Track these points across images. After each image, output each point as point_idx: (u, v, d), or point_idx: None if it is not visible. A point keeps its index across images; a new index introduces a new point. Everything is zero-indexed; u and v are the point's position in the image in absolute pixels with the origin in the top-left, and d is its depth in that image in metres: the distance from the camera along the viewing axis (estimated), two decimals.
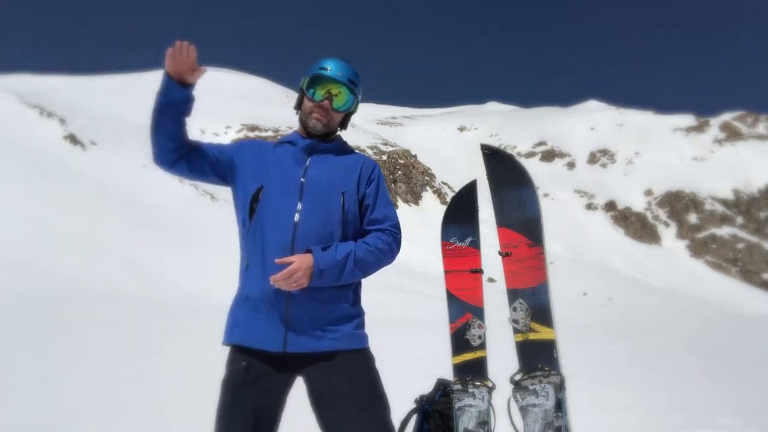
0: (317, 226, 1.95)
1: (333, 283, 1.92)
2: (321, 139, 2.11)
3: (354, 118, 2.28)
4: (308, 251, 1.90)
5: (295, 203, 1.96)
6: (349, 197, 2.02)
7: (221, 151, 2.10)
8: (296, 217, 1.94)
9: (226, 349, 2.02)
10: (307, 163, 2.05)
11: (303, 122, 2.12)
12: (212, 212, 25.09)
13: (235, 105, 50.23)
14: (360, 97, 2.13)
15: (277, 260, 1.88)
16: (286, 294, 1.91)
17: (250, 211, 2.00)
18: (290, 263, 1.86)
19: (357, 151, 2.23)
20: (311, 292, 1.92)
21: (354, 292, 2.05)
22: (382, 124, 76.96)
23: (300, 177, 2.01)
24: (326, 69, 2.06)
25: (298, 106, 2.15)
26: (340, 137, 2.20)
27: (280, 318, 1.91)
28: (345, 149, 2.16)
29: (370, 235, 2.03)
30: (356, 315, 2.03)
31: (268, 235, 1.95)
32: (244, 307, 1.98)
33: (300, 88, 2.13)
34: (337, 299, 1.97)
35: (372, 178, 2.10)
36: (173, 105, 1.93)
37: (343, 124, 2.18)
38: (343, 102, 2.08)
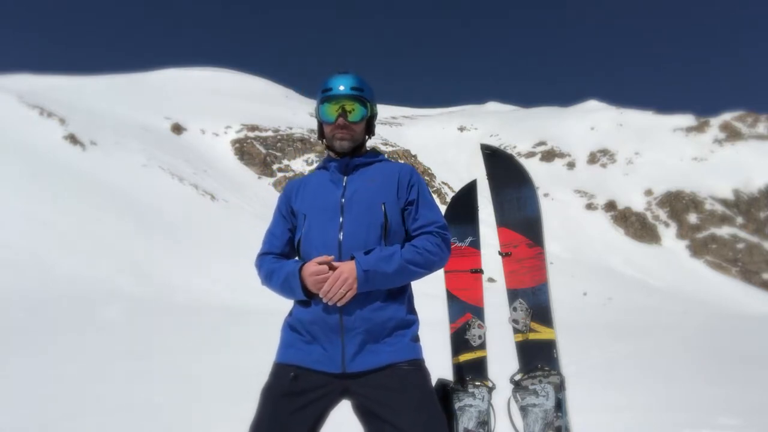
0: (362, 241, 1.95)
1: (381, 285, 1.91)
2: (352, 155, 2.11)
3: None
4: (351, 259, 1.91)
5: (338, 223, 1.98)
6: (390, 207, 2.02)
7: (287, 220, 2.15)
8: (340, 235, 1.96)
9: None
10: (344, 182, 2.06)
11: (331, 147, 2.13)
12: (212, 212, 25.09)
13: (235, 105, 50.19)
14: (371, 99, 2.12)
15: (317, 259, 1.90)
16: (339, 313, 1.90)
17: (298, 239, 2.05)
18: (330, 267, 1.88)
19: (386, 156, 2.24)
20: (364, 305, 1.91)
21: (407, 300, 2.03)
22: (382, 124, 76.91)
23: (340, 197, 2.02)
24: (329, 90, 2.07)
25: (321, 135, 2.16)
26: (373, 149, 2.21)
27: (336, 337, 1.91)
28: (379, 159, 2.16)
29: (417, 238, 2.02)
30: (411, 323, 2.00)
31: (315, 256, 1.95)
32: (297, 329, 1.98)
33: (317, 120, 2.15)
34: (391, 310, 1.95)
35: (412, 184, 2.09)
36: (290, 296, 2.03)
37: (369, 131, 2.17)
38: (357, 112, 2.07)
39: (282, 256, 2.11)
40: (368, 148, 2.20)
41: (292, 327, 2.01)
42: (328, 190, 2.06)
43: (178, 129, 40.92)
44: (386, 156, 2.25)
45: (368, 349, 1.90)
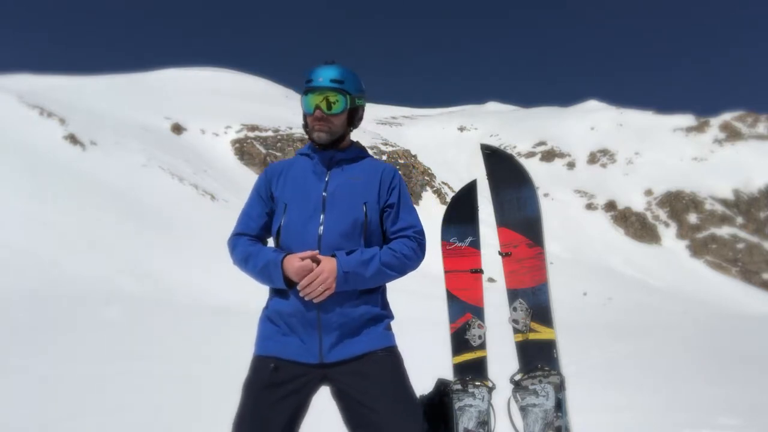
0: (341, 237, 1.99)
1: (358, 286, 1.96)
2: (335, 147, 2.12)
3: None
4: (333, 256, 1.94)
5: (319, 217, 2.00)
6: (370, 207, 2.05)
7: (265, 203, 2.15)
8: (320, 230, 1.99)
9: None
10: (327, 176, 2.08)
11: (311, 138, 2.14)
12: (212, 212, 25.07)
13: (235, 105, 50.16)
14: (354, 91, 2.10)
15: (301, 254, 1.92)
16: (317, 309, 1.94)
17: (277, 228, 2.06)
18: (314, 260, 1.91)
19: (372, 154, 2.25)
20: (340, 301, 1.95)
21: (381, 296, 2.09)
22: (382, 124, 76.87)
23: (321, 191, 2.04)
24: (310, 81, 2.08)
25: (306, 125, 2.17)
26: (357, 144, 2.22)
27: (313, 330, 1.95)
28: (363, 157, 2.18)
29: (395, 241, 2.06)
30: (385, 317, 2.08)
31: (295, 250, 1.98)
32: (275, 321, 2.01)
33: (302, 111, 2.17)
34: (366, 305, 2.01)
35: (393, 186, 2.11)
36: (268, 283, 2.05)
37: (351, 123, 2.16)
38: (336, 105, 2.06)
39: (257, 238, 2.12)
40: (351, 141, 2.20)
41: (270, 319, 2.04)
42: (310, 182, 2.08)
43: (178, 129, 40.90)
44: (386, 156, 2.27)
45: (345, 342, 1.96)
